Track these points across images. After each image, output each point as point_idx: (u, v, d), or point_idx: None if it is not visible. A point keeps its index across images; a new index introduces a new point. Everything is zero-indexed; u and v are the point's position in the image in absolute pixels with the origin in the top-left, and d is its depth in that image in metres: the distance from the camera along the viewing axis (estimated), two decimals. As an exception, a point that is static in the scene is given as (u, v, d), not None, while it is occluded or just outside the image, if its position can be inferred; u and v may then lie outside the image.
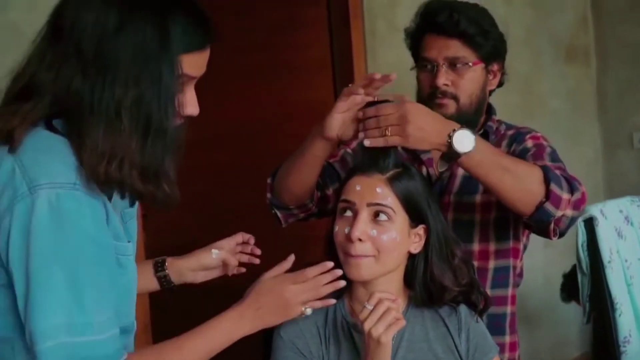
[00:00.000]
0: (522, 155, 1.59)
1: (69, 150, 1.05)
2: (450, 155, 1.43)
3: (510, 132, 1.70)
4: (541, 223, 1.48)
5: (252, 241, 1.52)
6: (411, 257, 1.43)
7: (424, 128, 1.39)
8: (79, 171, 1.04)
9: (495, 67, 1.68)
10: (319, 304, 1.30)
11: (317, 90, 2.72)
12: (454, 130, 1.39)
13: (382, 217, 1.37)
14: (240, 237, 1.51)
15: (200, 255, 1.48)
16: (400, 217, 1.39)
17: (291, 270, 1.32)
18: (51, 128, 1.07)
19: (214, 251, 1.48)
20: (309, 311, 1.29)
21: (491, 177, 1.43)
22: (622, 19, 3.44)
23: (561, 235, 1.52)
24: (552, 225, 1.47)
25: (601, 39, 3.49)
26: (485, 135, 1.68)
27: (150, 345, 1.30)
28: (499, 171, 1.43)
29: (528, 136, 1.65)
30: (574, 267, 2.28)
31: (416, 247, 1.42)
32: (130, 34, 1.04)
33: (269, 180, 1.70)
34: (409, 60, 1.73)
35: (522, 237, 1.67)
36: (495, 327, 1.61)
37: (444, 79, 1.60)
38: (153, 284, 1.46)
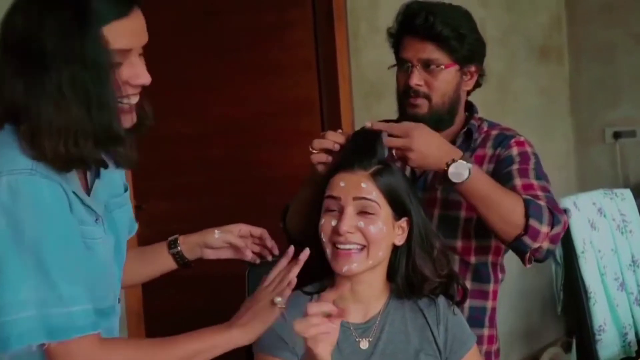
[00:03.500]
0: (507, 163, 1.59)
1: (24, 143, 1.07)
2: (445, 181, 1.46)
3: (494, 132, 1.67)
4: (518, 251, 1.51)
5: (268, 243, 1.52)
6: (394, 250, 1.41)
7: (426, 156, 1.44)
8: (34, 159, 1.06)
9: (472, 68, 1.64)
10: (286, 290, 1.26)
11: (303, 88, 2.70)
12: (453, 161, 1.43)
13: (369, 210, 1.36)
14: (259, 232, 1.52)
15: (206, 233, 1.50)
16: (385, 210, 1.37)
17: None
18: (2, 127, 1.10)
19: (217, 231, 1.49)
20: (278, 300, 1.24)
21: (479, 206, 1.48)
22: (594, 19, 3.44)
23: (538, 261, 1.54)
24: (527, 255, 1.50)
25: (574, 38, 3.49)
26: (469, 133, 1.66)
27: (134, 339, 1.29)
28: (486, 202, 1.47)
29: (513, 141, 1.62)
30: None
31: (400, 239, 1.40)
32: (51, 20, 1.05)
33: (281, 224, 1.73)
34: (389, 60, 1.70)
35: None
36: (475, 319, 1.60)
37: (416, 80, 1.59)
38: (169, 262, 1.48)
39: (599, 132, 3.48)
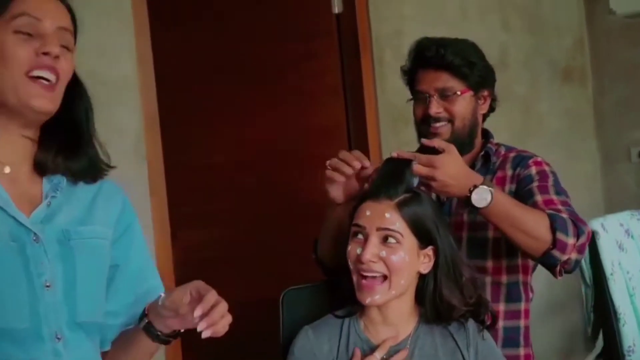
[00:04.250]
0: (527, 182, 1.63)
1: None
2: (467, 205, 1.50)
3: (512, 154, 1.72)
4: (548, 265, 1.53)
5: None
6: (421, 277, 1.43)
7: (449, 185, 1.46)
8: None
9: (485, 92, 1.73)
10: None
11: (331, 114, 2.73)
12: (475, 186, 1.46)
13: (391, 240, 1.38)
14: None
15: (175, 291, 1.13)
16: (409, 239, 1.39)
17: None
18: None
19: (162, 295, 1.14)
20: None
21: (505, 226, 1.50)
22: (616, 39, 3.41)
23: (567, 272, 1.56)
24: (558, 267, 1.52)
25: (597, 59, 3.46)
26: (487, 156, 1.72)
27: None
28: (512, 221, 1.49)
29: (531, 161, 1.68)
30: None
31: (425, 267, 1.42)
32: None
33: (313, 256, 1.77)
34: None
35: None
36: (510, 339, 1.62)
37: (435, 108, 1.66)
38: (148, 342, 1.16)
39: (624, 151, 3.43)
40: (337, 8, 2.69)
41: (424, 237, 1.41)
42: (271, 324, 1.78)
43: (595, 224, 2.14)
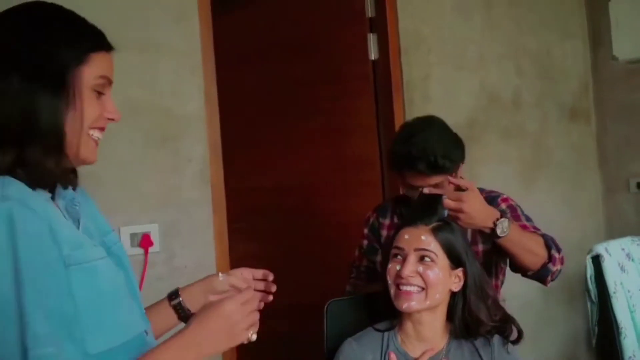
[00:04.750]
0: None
1: None
2: (491, 235, 1.56)
3: (482, 197, 1.72)
4: (541, 276, 1.65)
5: (271, 278, 1.31)
6: (452, 295, 1.46)
7: (474, 217, 1.52)
8: (4, 184, 0.89)
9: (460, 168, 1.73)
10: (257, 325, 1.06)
11: (365, 149, 2.77)
12: (498, 219, 1.53)
13: (427, 259, 1.41)
14: (261, 273, 1.31)
15: (210, 278, 1.27)
16: (442, 259, 1.42)
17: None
18: None
19: (221, 274, 1.28)
20: (254, 337, 1.05)
21: (515, 250, 1.59)
22: (618, 84, 3.43)
23: (552, 281, 1.69)
24: (549, 277, 1.66)
25: (600, 101, 3.48)
26: None
27: None
28: (521, 245, 1.60)
29: (500, 199, 1.77)
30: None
31: (456, 286, 1.44)
32: (30, 43, 0.95)
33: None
34: None
35: (500, 275, 1.80)
36: None
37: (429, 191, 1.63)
38: (171, 317, 1.23)
39: (624, 182, 3.43)
40: (373, 55, 2.74)
41: (455, 259, 1.43)
42: (310, 327, 1.79)
43: (600, 248, 2.16)
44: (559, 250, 1.65)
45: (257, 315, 1.04)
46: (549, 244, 1.63)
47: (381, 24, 2.71)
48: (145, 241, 2.14)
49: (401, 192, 1.79)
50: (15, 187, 0.90)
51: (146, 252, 2.14)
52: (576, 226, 3.27)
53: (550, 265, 1.62)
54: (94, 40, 1.02)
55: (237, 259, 2.57)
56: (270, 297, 1.29)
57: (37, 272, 0.86)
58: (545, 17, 3.26)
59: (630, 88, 3.37)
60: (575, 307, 3.16)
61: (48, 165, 0.94)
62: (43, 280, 0.86)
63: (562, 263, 1.65)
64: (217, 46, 2.31)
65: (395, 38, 2.71)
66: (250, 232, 2.79)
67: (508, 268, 1.75)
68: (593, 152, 3.49)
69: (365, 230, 1.95)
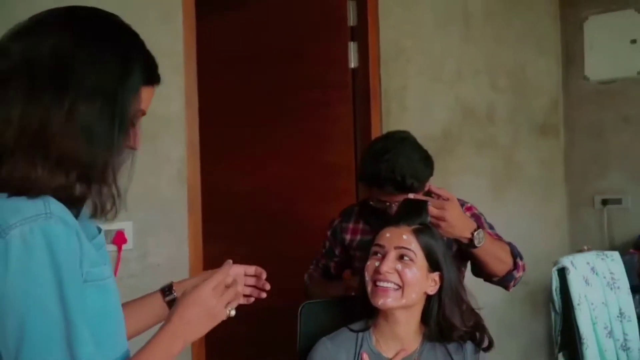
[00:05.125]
0: None
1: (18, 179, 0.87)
2: (467, 245, 1.60)
3: None
4: (505, 282, 1.71)
5: (264, 276, 1.30)
6: (427, 299, 1.47)
7: (454, 226, 1.55)
8: (46, 200, 0.87)
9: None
10: (236, 302, 1.10)
11: (342, 154, 2.79)
12: (475, 230, 1.58)
13: (406, 258, 1.43)
14: (253, 269, 1.31)
15: (204, 275, 1.22)
16: (421, 260, 1.44)
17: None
18: None
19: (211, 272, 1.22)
20: (232, 312, 1.08)
21: (487, 259, 1.65)
22: (587, 103, 3.53)
23: (513, 287, 1.76)
24: (512, 283, 1.73)
25: (569, 119, 3.57)
26: None
27: None
28: (492, 253, 1.66)
29: (464, 208, 1.79)
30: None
31: (432, 289, 1.46)
32: (90, 57, 0.91)
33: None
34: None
35: (463, 269, 1.82)
36: None
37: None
38: (163, 311, 1.22)
39: (589, 199, 3.52)
40: (353, 63, 2.76)
41: (433, 263, 1.45)
42: (284, 330, 1.80)
43: (565, 261, 2.22)
44: (521, 257, 1.73)
45: (231, 293, 1.06)
46: (515, 251, 1.72)
47: (362, 33, 2.74)
48: (118, 238, 2.13)
49: (371, 203, 1.81)
50: (55, 205, 0.88)
51: (119, 249, 2.13)
52: (543, 238, 3.34)
53: (514, 272, 1.70)
54: (151, 72, 0.98)
55: (211, 259, 2.58)
56: (264, 294, 1.30)
57: (76, 288, 0.87)
58: (522, 35, 3.33)
59: (599, 108, 3.47)
60: (537, 316, 3.23)
61: (89, 196, 0.93)
62: (82, 296, 0.88)
63: (524, 270, 1.73)
64: (199, 49, 2.31)
65: (375, 47, 2.74)
66: (226, 234, 2.79)
67: (469, 272, 1.79)
68: (560, 168, 3.57)
69: (328, 233, 1.99)
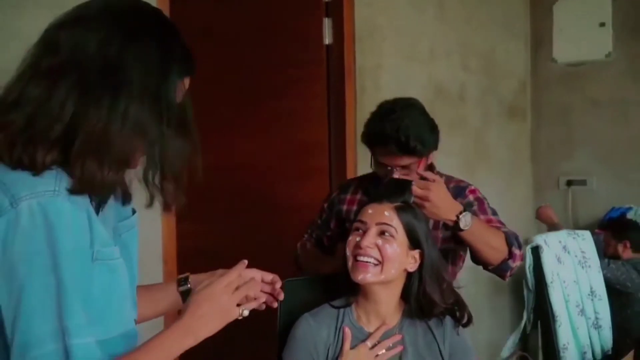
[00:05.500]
0: (467, 207, 1.68)
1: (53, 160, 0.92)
2: (453, 228, 1.57)
3: (451, 185, 1.78)
4: (501, 271, 1.67)
5: (279, 285, 1.30)
6: (408, 276, 1.47)
7: (439, 208, 1.52)
8: (58, 179, 0.91)
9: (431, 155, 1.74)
10: (253, 304, 1.12)
11: (316, 132, 2.77)
12: (461, 212, 1.54)
13: (387, 234, 1.42)
14: (270, 277, 1.29)
15: (218, 272, 1.22)
16: (401, 237, 1.43)
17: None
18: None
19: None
20: (246, 312, 1.09)
21: (476, 244, 1.61)
22: (554, 85, 3.57)
23: (510, 276, 1.71)
24: (508, 273, 1.67)
25: (536, 101, 3.62)
26: None
27: None
28: (482, 240, 1.61)
29: (467, 191, 1.77)
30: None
31: (411, 267, 1.45)
32: (136, 55, 0.94)
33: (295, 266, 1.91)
34: None
35: (459, 262, 1.80)
36: None
37: (397, 175, 1.66)
38: (176, 301, 1.25)
39: (554, 180, 3.59)
40: (327, 40, 2.72)
41: (414, 240, 1.45)
42: (270, 318, 1.78)
43: (539, 240, 2.25)
44: (519, 247, 1.66)
45: (243, 292, 1.08)
46: (511, 240, 1.64)
47: (337, 9, 2.71)
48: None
49: (371, 170, 1.77)
50: (66, 182, 0.92)
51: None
52: (509, 219, 3.34)
53: (510, 262, 1.64)
54: (188, 65, 1.03)
55: (185, 236, 2.52)
56: (275, 304, 1.31)
57: (74, 263, 0.90)
58: (493, 17, 3.34)
59: (566, 90, 3.52)
60: (502, 294, 3.28)
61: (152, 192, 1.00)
62: (82, 271, 0.91)
63: (521, 259, 1.67)
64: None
65: (350, 24, 2.71)
66: (199, 211, 2.72)
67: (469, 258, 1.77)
68: (527, 149, 3.62)
69: (325, 205, 1.94)
